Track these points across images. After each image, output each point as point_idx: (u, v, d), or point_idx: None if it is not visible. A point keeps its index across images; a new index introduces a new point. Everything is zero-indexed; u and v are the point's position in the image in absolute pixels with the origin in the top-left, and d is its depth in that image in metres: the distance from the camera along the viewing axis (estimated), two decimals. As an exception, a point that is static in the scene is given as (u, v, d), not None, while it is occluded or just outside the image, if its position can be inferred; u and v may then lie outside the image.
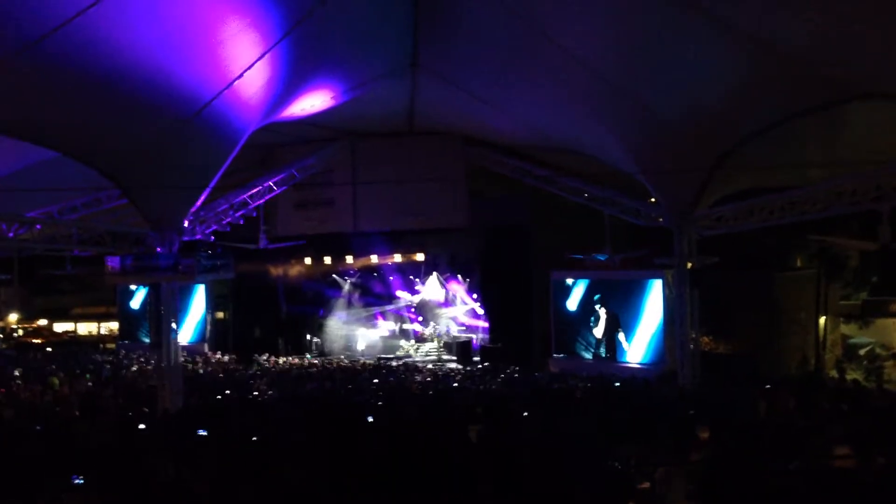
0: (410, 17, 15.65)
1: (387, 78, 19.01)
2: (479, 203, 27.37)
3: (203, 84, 15.03)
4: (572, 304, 26.72)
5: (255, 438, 9.91)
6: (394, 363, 30.07)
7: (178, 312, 20.44)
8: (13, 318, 40.60)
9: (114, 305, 38.44)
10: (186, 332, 31.87)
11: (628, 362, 24.70)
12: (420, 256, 31.99)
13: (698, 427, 8.45)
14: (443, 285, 33.74)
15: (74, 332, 44.37)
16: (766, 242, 23.82)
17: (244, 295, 32.30)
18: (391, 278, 33.93)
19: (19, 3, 10.66)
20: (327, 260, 32.11)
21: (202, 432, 10.76)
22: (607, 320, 25.55)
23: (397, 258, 31.98)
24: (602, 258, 25.04)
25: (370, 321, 34.94)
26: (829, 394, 16.27)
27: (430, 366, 28.91)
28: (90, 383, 21.47)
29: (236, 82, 15.21)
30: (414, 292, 34.28)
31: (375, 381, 22.96)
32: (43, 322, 44.42)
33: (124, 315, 37.03)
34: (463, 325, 33.50)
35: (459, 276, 33.20)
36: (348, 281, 34.44)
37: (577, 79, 16.50)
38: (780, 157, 16.83)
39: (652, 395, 18.10)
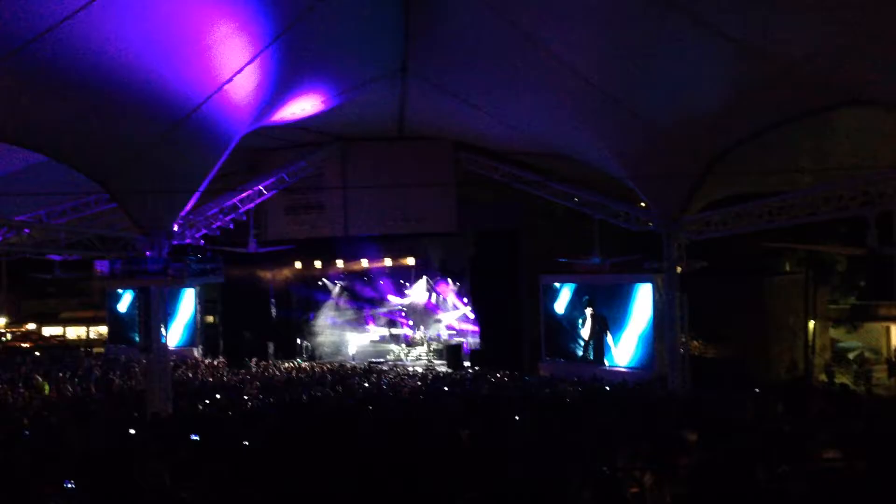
0: (401, 22, 15.66)
1: (377, 82, 19.01)
2: (470, 208, 27.39)
3: (193, 88, 15.00)
4: (562, 308, 26.77)
5: (245, 443, 9.89)
6: (384, 367, 30.04)
7: (167, 316, 20.34)
8: (1, 322, 40.37)
9: (102, 309, 38.28)
10: (175, 336, 31.75)
11: (618, 366, 24.75)
12: (410, 261, 32.03)
13: (687, 431, 8.48)
14: (433, 290, 33.76)
15: (63, 336, 44.13)
16: (755, 247, 23.93)
17: (234, 299, 32.20)
18: (381, 282, 33.94)
19: (8, 7, 10.61)
20: (318, 264, 32.09)
21: (195, 437, 10.73)
22: (597, 324, 25.61)
23: (388, 262, 31.98)
24: (592, 262, 25.10)
25: (361, 325, 34.93)
26: (818, 398, 16.37)
27: (420, 370, 28.88)
28: (79, 387, 21.35)
29: (226, 86, 15.19)
30: (404, 297, 34.28)
31: (366, 384, 22.93)
32: (31, 326, 44.18)
33: (113, 319, 36.86)
34: (453, 329, 33.51)
35: (450, 281, 33.23)
36: (338, 285, 34.41)
37: (566, 84, 16.53)
38: (769, 162, 16.91)
39: (641, 400, 18.15)
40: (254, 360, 29.99)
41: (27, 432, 12.31)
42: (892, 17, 10.51)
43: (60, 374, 23.75)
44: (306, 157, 25.40)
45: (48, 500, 6.46)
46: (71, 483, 6.69)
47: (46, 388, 20.46)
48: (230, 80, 15.04)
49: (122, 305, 35.47)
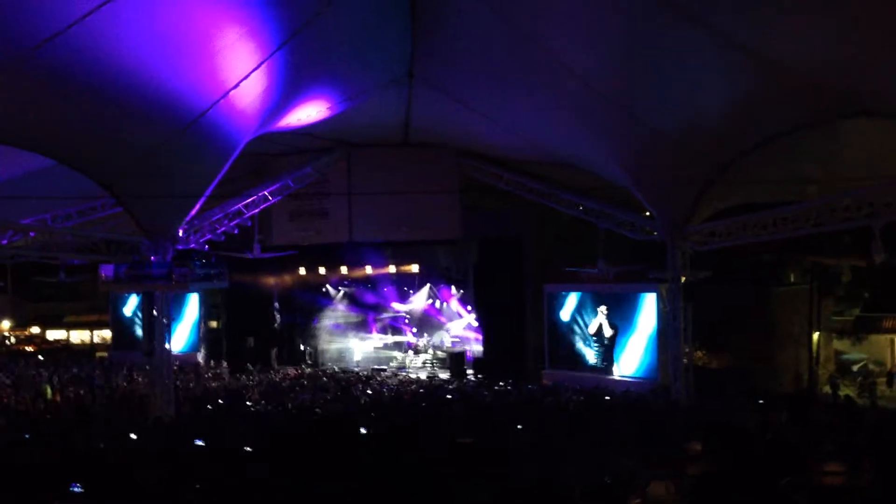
0: (408, 28, 15.70)
1: (383, 89, 19.05)
2: (474, 215, 27.39)
3: (199, 93, 15.06)
4: (566, 317, 26.72)
5: (247, 449, 9.88)
6: (387, 374, 30.00)
7: (171, 321, 20.35)
8: (6, 325, 40.45)
9: (107, 313, 38.29)
10: (179, 341, 31.72)
11: (622, 376, 24.68)
12: (415, 268, 31.97)
13: (691, 441, 8.46)
14: (437, 297, 33.73)
15: (67, 339, 44.16)
16: (759, 258, 23.89)
17: (238, 304, 32.15)
18: (385, 289, 33.92)
19: (16, 13, 10.67)
20: (322, 270, 32.07)
21: (199, 442, 10.73)
22: (601, 334, 25.55)
23: (392, 269, 31.96)
24: (596, 271, 25.05)
25: (364, 332, 34.89)
26: (822, 410, 16.32)
27: (423, 377, 28.83)
28: (82, 392, 21.37)
29: (232, 92, 15.23)
30: (408, 303, 34.26)
31: (369, 392, 22.91)
32: (36, 330, 44.22)
33: (117, 323, 36.86)
34: (457, 336, 33.45)
35: (454, 288, 33.20)
36: (342, 291, 34.40)
37: (572, 92, 16.55)
38: (775, 172, 16.89)
39: (645, 410, 18.11)
40: (257, 365, 29.96)
41: (27, 436, 12.31)
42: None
43: (64, 379, 23.79)
44: (312, 164, 25.41)
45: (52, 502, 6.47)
46: (78, 487, 6.69)
47: (49, 391, 20.48)
48: (236, 86, 15.09)
49: (127, 309, 35.47)
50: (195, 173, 17.84)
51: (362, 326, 34.91)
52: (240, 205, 22.82)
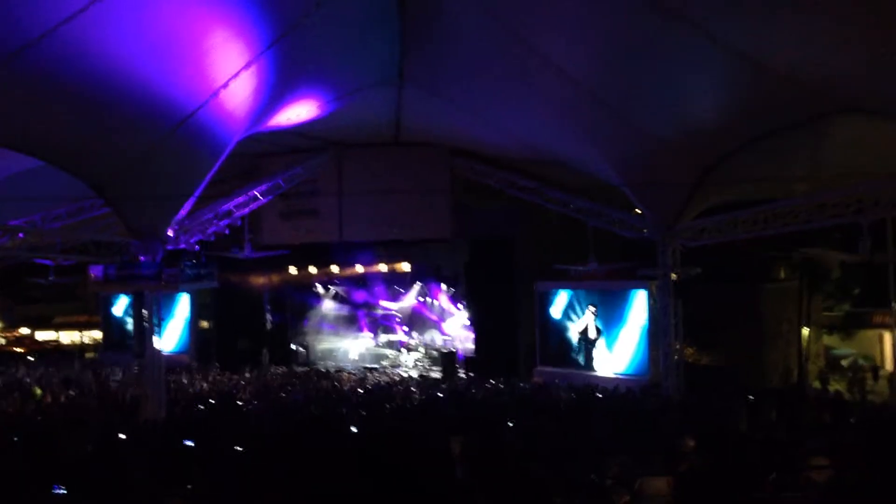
0: (397, 28, 15.70)
1: (373, 88, 19.04)
2: (465, 214, 27.39)
3: (188, 93, 15.02)
4: (557, 314, 26.78)
5: (239, 449, 9.87)
6: (379, 373, 30.00)
7: (161, 321, 20.30)
8: (-6, 327, 40.32)
9: (97, 314, 38.19)
10: (169, 342, 31.62)
11: (613, 373, 24.74)
12: (406, 267, 32.00)
13: (684, 438, 8.48)
14: (428, 295, 33.75)
15: (57, 340, 44.02)
16: (749, 254, 23.99)
17: (228, 304, 32.10)
18: (376, 288, 33.92)
19: (2, 13, 10.62)
20: (312, 270, 32.06)
21: (189, 443, 10.71)
22: (591, 331, 25.62)
23: (383, 268, 31.97)
24: (586, 269, 25.11)
25: (355, 331, 34.89)
26: (812, 405, 16.40)
27: (415, 376, 28.84)
28: (73, 393, 21.28)
29: (221, 92, 15.21)
30: (399, 302, 34.27)
31: (360, 391, 22.90)
32: (25, 331, 44.06)
33: (107, 324, 36.77)
34: (448, 335, 33.48)
35: (445, 287, 33.22)
36: (333, 290, 34.39)
37: (563, 92, 16.59)
38: (764, 170, 16.97)
39: (636, 407, 18.15)
40: (248, 365, 29.91)
41: (16, 438, 12.25)
42: (889, 25, 10.56)
43: (54, 380, 23.70)
44: (302, 163, 25.39)
45: (39, 505, 6.45)
46: (61, 489, 6.67)
47: (39, 392, 20.39)
48: (225, 85, 15.06)
49: (117, 310, 35.39)
50: (185, 174, 17.78)
51: (353, 325, 34.90)
52: (230, 205, 22.78)
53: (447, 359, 30.21)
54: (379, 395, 21.39)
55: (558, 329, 26.70)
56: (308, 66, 16.72)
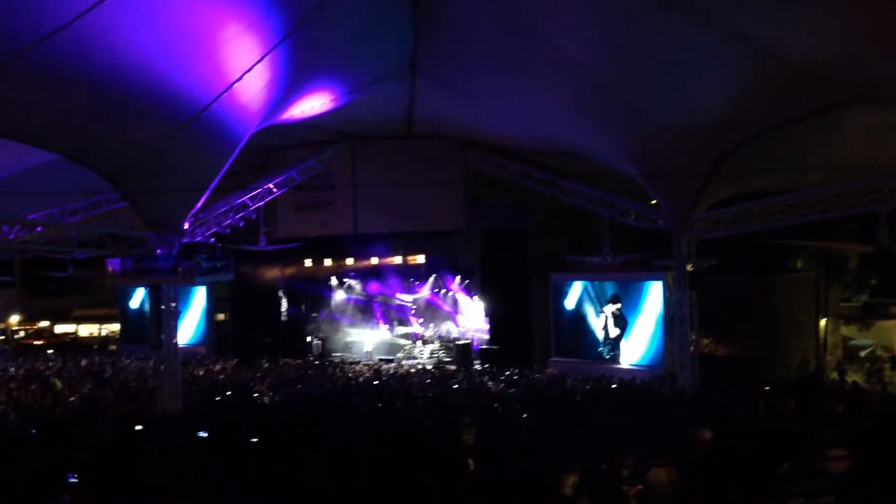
0: (410, 20, 15.68)
1: (386, 81, 19.04)
2: (479, 206, 27.44)
3: (202, 87, 15.06)
4: (572, 306, 26.75)
5: (254, 440, 9.92)
6: (394, 365, 30.10)
7: (178, 314, 20.44)
8: (14, 319, 40.65)
9: (114, 307, 38.49)
10: (185, 334, 31.85)
11: (628, 364, 24.71)
12: (420, 259, 32.03)
13: (699, 429, 8.44)
14: (443, 287, 33.77)
15: (76, 333, 44.40)
16: (765, 245, 23.85)
17: (244, 297, 32.29)
18: (391, 280, 33.97)
19: (18, 8, 10.68)
20: (327, 262, 32.16)
21: (203, 434, 10.77)
22: (607, 322, 25.57)
23: (397, 260, 32.02)
24: (601, 260, 25.07)
25: (371, 323, 34.97)
26: (829, 396, 16.29)
27: (430, 368, 28.91)
28: (91, 385, 21.48)
29: (235, 85, 15.24)
30: (414, 294, 34.31)
31: (375, 382, 22.98)
32: (44, 324, 44.47)
33: (125, 317, 37.09)
34: (463, 327, 33.51)
35: (459, 279, 33.23)
36: (348, 282, 34.48)
37: (576, 83, 16.52)
38: (779, 160, 16.84)
39: (650, 398, 18.12)
40: (264, 357, 30.10)
41: (34, 431, 12.38)
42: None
43: (73, 372, 23.92)
44: (316, 156, 25.49)
45: (54, 495, 6.51)
46: (74, 477, 6.72)
47: (58, 385, 20.59)
48: (240, 78, 15.09)
49: (134, 303, 35.66)
50: (200, 167, 17.88)
51: (368, 317, 34.98)
52: (245, 197, 22.89)
53: (462, 350, 30.28)
54: (394, 387, 21.47)
55: (573, 320, 26.67)
56: (321, 59, 16.74)
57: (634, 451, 7.81)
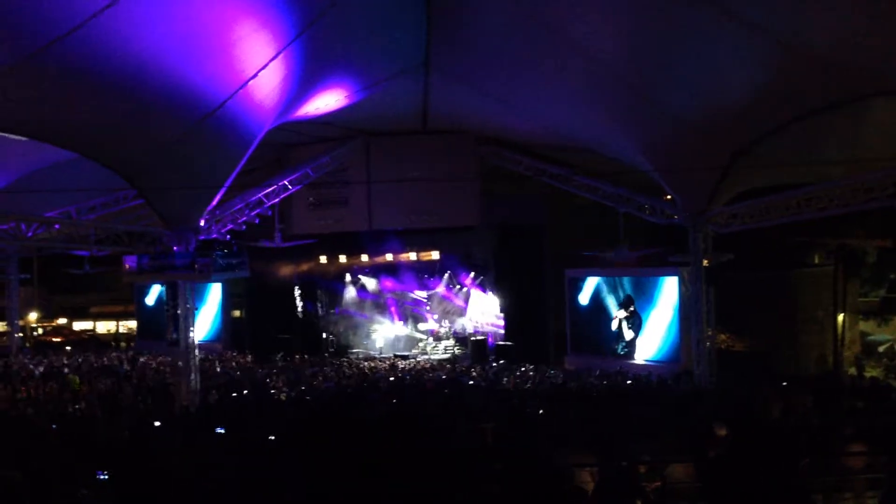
0: (423, 15, 15.66)
1: (400, 77, 19.04)
2: (494, 201, 27.42)
3: (218, 84, 15.11)
4: (587, 302, 26.67)
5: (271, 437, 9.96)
6: (409, 361, 30.13)
7: (195, 310, 20.54)
8: (33, 317, 40.98)
9: (132, 304, 38.71)
10: (201, 330, 31.96)
11: (644, 360, 24.62)
12: (435, 255, 32.00)
13: (715, 424, 8.40)
14: (458, 283, 33.74)
15: (93, 330, 44.71)
16: (783, 240, 23.69)
17: (260, 293, 32.42)
18: (406, 276, 33.96)
19: (35, 7, 10.75)
20: (342, 258, 32.22)
21: (220, 430, 10.83)
22: (622, 318, 25.48)
23: (412, 256, 32.02)
24: (617, 256, 24.98)
25: (385, 319, 35.00)
26: (847, 392, 16.18)
27: (445, 364, 28.91)
28: (110, 382, 21.61)
29: (251, 82, 15.28)
30: (429, 290, 34.29)
31: (391, 378, 23.01)
32: (62, 321, 44.80)
33: (142, 313, 37.28)
34: (478, 323, 33.47)
35: (474, 275, 33.20)
36: (363, 279, 34.52)
37: (591, 77, 16.46)
38: (797, 154, 16.72)
39: (667, 394, 18.05)
40: (280, 354, 30.21)
41: (55, 426, 12.47)
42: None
43: (91, 369, 24.09)
44: (330, 152, 25.53)
45: (78, 491, 6.56)
46: (104, 474, 6.77)
47: (77, 382, 20.74)
48: (255, 76, 15.13)
49: (151, 300, 35.84)
50: (216, 164, 17.94)
51: (383, 314, 35.01)
52: (260, 194, 22.96)
53: (477, 346, 30.26)
54: (409, 383, 21.49)
55: (589, 316, 26.59)
56: (335, 56, 16.76)
57: (651, 446, 7.79)
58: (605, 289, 26.12)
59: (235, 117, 16.39)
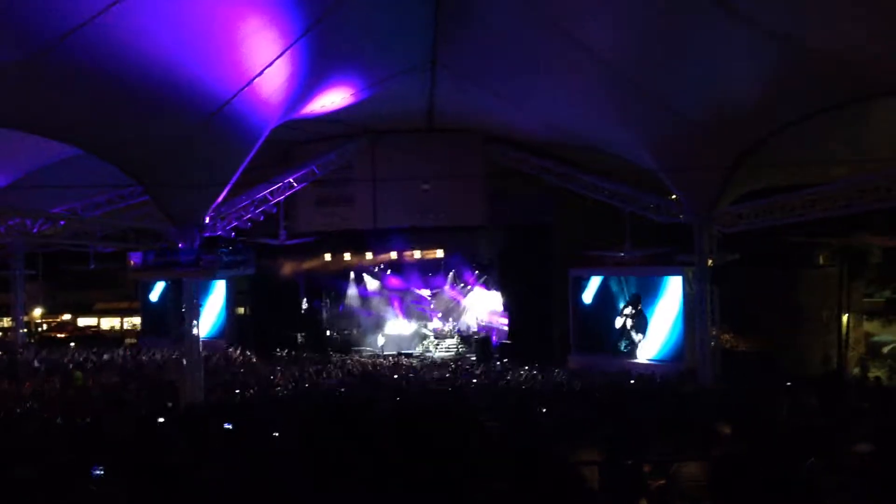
0: (430, 13, 15.66)
1: (406, 74, 19.04)
2: (499, 200, 27.39)
3: (224, 82, 15.14)
4: (592, 301, 26.64)
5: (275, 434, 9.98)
6: (413, 359, 30.14)
7: (199, 307, 20.56)
8: (37, 312, 41.06)
9: (136, 300, 38.77)
10: (205, 327, 31.95)
11: (648, 359, 24.59)
12: (440, 253, 31.98)
13: (719, 423, 8.41)
14: (462, 282, 33.73)
15: (98, 326, 44.77)
16: (788, 240, 23.63)
17: (264, 290, 32.42)
18: (410, 274, 33.96)
19: (41, 4, 10.78)
20: (347, 256, 32.22)
21: (227, 426, 10.83)
22: (627, 318, 25.45)
23: (417, 255, 32.01)
24: (622, 255, 24.96)
25: (390, 317, 34.99)
26: (851, 392, 16.16)
27: (449, 362, 28.92)
28: (114, 378, 21.65)
29: (257, 79, 15.30)
30: (434, 289, 34.29)
31: (395, 376, 23.04)
32: (67, 317, 44.88)
33: (146, 310, 37.31)
34: (482, 321, 33.47)
35: (478, 274, 33.18)
36: (367, 277, 34.52)
37: (597, 75, 16.45)
38: (803, 154, 16.70)
39: (672, 393, 18.04)
40: (284, 351, 30.25)
41: (59, 420, 12.51)
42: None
43: (95, 365, 24.14)
44: (336, 150, 25.54)
45: (81, 486, 6.57)
46: (99, 469, 6.76)
47: (80, 377, 20.79)
48: (260, 73, 15.15)
49: (154, 295, 35.87)
50: (221, 161, 17.97)
51: (388, 312, 35.00)
52: (265, 192, 22.99)
53: (481, 345, 30.25)
54: (413, 381, 21.51)
55: (593, 315, 26.56)
56: (342, 53, 16.77)
57: (656, 445, 7.80)
58: (609, 288, 26.09)
59: (241, 114, 16.42)
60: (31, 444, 9.81)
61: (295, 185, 24.14)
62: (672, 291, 24.07)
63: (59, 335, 39.99)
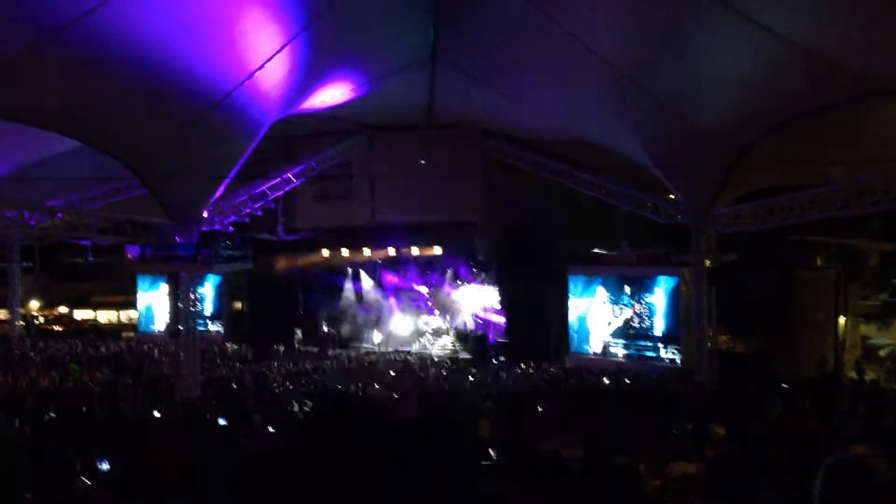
0: (430, 9, 15.66)
1: (406, 70, 19.03)
2: (498, 198, 27.39)
3: (223, 75, 15.12)
4: (589, 299, 26.64)
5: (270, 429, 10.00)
6: (410, 356, 30.15)
7: (196, 302, 20.56)
8: (34, 305, 40.99)
9: (133, 294, 38.71)
10: (202, 322, 31.95)
11: (645, 359, 24.60)
12: (438, 250, 31.97)
13: (714, 424, 8.42)
14: (459, 279, 33.72)
15: (95, 319, 44.68)
16: (785, 241, 23.65)
17: (261, 285, 32.38)
18: (408, 271, 33.94)
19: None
20: (345, 252, 32.19)
21: (222, 422, 10.85)
22: (624, 316, 25.47)
23: (414, 251, 31.99)
24: (619, 254, 24.96)
25: (387, 314, 34.98)
26: (847, 394, 16.17)
27: (446, 359, 28.92)
28: (110, 371, 21.64)
29: (256, 73, 15.28)
30: (431, 286, 34.28)
31: (392, 373, 23.04)
32: (63, 310, 44.77)
33: (143, 304, 37.27)
34: (479, 319, 33.46)
35: (476, 271, 33.17)
36: (365, 273, 34.50)
37: (596, 73, 16.43)
38: (801, 155, 16.69)
39: (667, 393, 18.04)
40: (280, 346, 30.24)
41: (53, 414, 12.49)
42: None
43: (92, 358, 24.13)
44: (335, 146, 25.54)
45: (79, 479, 6.58)
46: (105, 462, 6.79)
47: (77, 370, 20.78)
48: (261, 67, 15.13)
49: (153, 290, 35.83)
50: (220, 155, 17.95)
51: (385, 308, 35.00)
52: (264, 187, 22.96)
53: (478, 343, 30.25)
54: (409, 378, 21.51)
55: (590, 314, 26.57)
56: (342, 48, 16.75)
57: (651, 445, 7.80)
58: (606, 287, 26.09)
59: (241, 108, 16.40)
60: (27, 436, 9.82)
61: (294, 180, 24.10)
62: (669, 292, 24.08)
63: (55, 328, 39.90)
